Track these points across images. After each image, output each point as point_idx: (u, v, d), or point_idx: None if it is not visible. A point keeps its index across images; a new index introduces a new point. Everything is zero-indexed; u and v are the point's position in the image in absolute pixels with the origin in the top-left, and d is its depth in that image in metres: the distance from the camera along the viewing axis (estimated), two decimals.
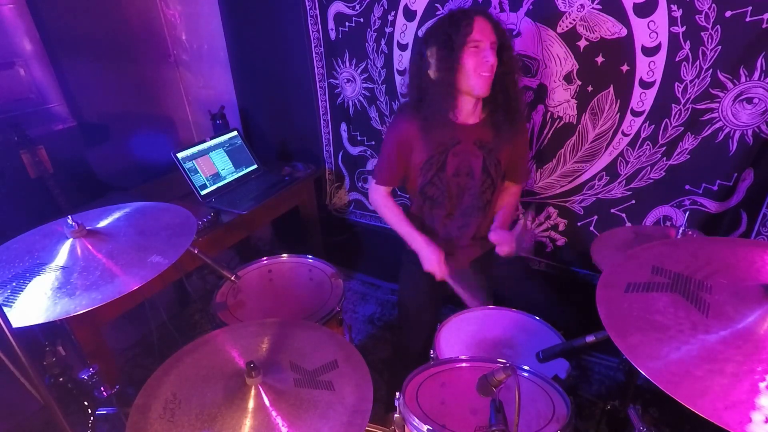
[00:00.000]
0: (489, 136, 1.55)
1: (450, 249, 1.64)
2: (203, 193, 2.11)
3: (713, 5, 1.38)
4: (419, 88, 1.52)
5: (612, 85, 1.62)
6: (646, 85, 1.57)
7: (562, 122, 1.76)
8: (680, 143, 1.61)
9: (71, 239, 1.08)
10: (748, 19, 1.36)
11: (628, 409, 1.04)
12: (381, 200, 1.72)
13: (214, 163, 2.21)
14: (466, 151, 1.55)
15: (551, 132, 1.80)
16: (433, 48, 1.44)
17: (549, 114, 1.77)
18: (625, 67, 1.57)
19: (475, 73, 1.41)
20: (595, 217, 1.89)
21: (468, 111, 1.53)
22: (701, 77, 1.49)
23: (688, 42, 1.46)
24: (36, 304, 0.94)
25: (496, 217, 1.69)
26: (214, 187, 2.16)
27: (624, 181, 1.76)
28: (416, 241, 1.60)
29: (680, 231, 1.36)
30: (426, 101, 1.49)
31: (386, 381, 1.83)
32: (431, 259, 1.55)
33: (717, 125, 1.53)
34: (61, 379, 1.34)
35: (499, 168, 1.60)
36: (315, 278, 1.62)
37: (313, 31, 2.13)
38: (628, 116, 1.65)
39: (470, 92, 1.46)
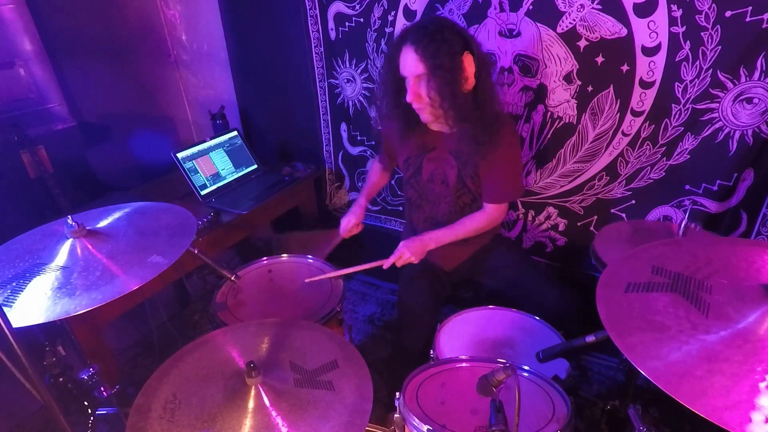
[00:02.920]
0: (465, 148, 1.48)
1: (436, 251, 1.64)
2: (203, 193, 2.11)
3: (713, 5, 1.38)
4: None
5: (612, 85, 1.62)
6: (646, 85, 1.57)
7: (562, 122, 1.76)
8: (680, 143, 1.61)
9: (71, 239, 1.08)
10: (748, 19, 1.36)
11: (628, 409, 1.05)
12: (370, 170, 1.91)
13: (214, 163, 2.21)
14: (440, 158, 1.54)
15: (551, 132, 1.80)
16: (384, 70, 1.48)
17: (549, 114, 1.77)
18: (625, 67, 1.57)
19: (411, 103, 1.40)
20: (595, 217, 1.89)
21: (438, 123, 1.50)
22: (701, 77, 1.49)
23: (688, 42, 1.46)
24: (36, 304, 0.94)
25: (446, 226, 1.58)
26: (214, 187, 2.16)
27: (624, 181, 1.76)
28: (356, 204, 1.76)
29: (682, 225, 1.35)
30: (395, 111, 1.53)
31: (386, 381, 1.83)
32: (342, 221, 1.72)
33: (717, 125, 1.53)
34: (61, 379, 1.34)
35: (477, 180, 1.53)
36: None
37: (313, 31, 2.13)
38: (628, 116, 1.65)
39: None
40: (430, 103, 1.37)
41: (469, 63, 1.34)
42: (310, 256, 1.69)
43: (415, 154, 1.57)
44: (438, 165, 1.55)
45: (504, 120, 1.48)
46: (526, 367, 1.16)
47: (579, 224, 1.93)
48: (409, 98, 1.38)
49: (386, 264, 1.55)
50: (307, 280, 1.57)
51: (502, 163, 1.49)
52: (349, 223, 1.71)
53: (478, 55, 1.36)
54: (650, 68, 1.54)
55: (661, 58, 1.51)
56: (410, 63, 1.33)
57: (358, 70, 2.11)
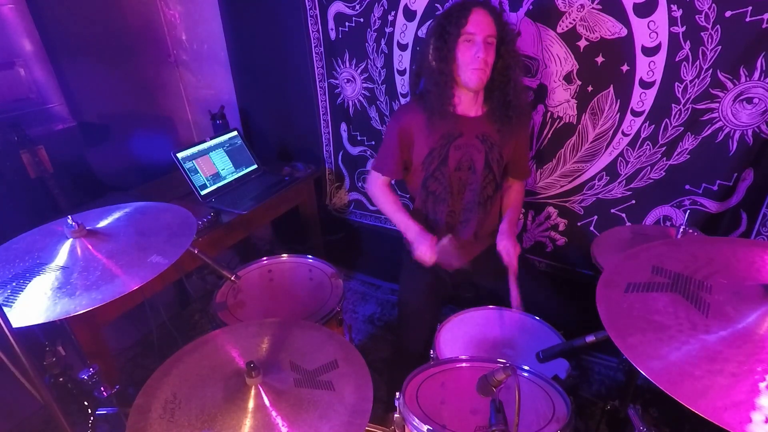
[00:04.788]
0: (492, 130, 1.55)
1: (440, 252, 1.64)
2: (203, 193, 2.11)
3: (713, 5, 1.38)
4: (421, 76, 1.56)
5: (612, 85, 1.62)
6: (646, 85, 1.57)
7: (562, 122, 1.76)
8: (680, 143, 1.61)
9: (71, 239, 1.08)
10: (748, 19, 1.36)
11: (628, 409, 1.05)
12: (379, 190, 1.73)
13: (214, 163, 2.21)
14: (468, 144, 1.55)
15: (551, 132, 1.80)
16: (433, 37, 1.47)
17: (549, 114, 1.77)
18: (625, 67, 1.57)
19: (468, 66, 1.43)
20: (595, 217, 1.89)
21: (468, 103, 1.54)
22: (701, 77, 1.49)
23: (688, 42, 1.46)
24: (36, 304, 0.94)
25: (503, 218, 1.68)
26: (214, 187, 2.16)
27: (624, 181, 1.76)
28: (410, 229, 1.61)
29: (680, 230, 1.35)
30: (426, 90, 1.52)
31: (386, 381, 1.83)
32: (421, 247, 1.53)
33: (717, 125, 1.53)
34: (61, 379, 1.33)
35: (501, 163, 1.60)
36: (315, 278, 1.62)
37: (313, 31, 2.13)
38: (628, 116, 1.65)
39: (465, 85, 1.48)
40: (489, 65, 1.44)
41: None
42: (309, 256, 1.69)
43: (441, 143, 1.56)
44: (465, 152, 1.56)
45: (524, 102, 1.58)
46: (526, 367, 1.16)
47: (579, 224, 1.93)
48: (481, 54, 1.40)
49: (515, 269, 1.53)
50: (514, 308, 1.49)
51: (526, 142, 1.68)
52: (430, 247, 1.53)
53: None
54: (650, 68, 1.54)
55: (661, 58, 1.51)
56: (485, 22, 1.39)
57: (358, 70, 2.11)
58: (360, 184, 2.45)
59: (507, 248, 1.55)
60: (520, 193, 1.78)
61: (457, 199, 1.63)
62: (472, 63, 1.42)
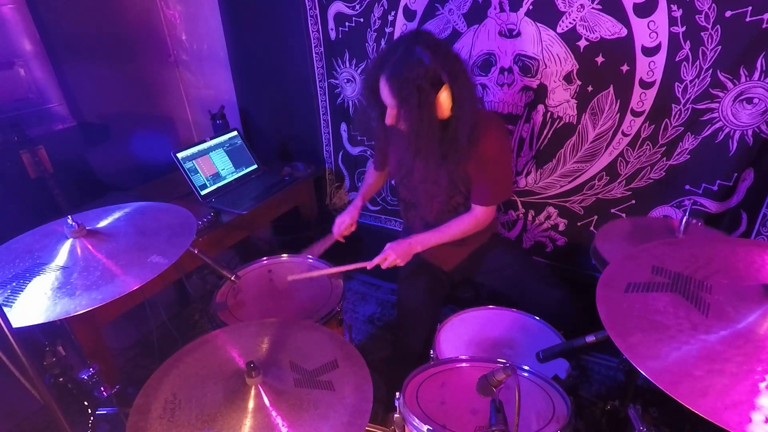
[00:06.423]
0: (452, 150, 1.47)
1: (433, 251, 1.64)
2: (203, 193, 2.11)
3: (713, 5, 1.38)
4: None
5: (612, 85, 1.62)
6: (646, 85, 1.57)
7: (562, 122, 1.76)
8: (680, 143, 1.61)
9: (71, 239, 1.08)
10: (748, 19, 1.36)
11: (628, 409, 1.05)
12: (367, 170, 1.93)
13: (214, 163, 2.21)
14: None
15: (551, 132, 1.80)
16: None
17: (549, 114, 1.77)
18: (625, 67, 1.57)
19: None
20: (595, 217, 1.89)
21: None
22: (701, 77, 1.49)
23: (688, 42, 1.46)
24: (36, 304, 0.94)
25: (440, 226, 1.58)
26: (214, 187, 2.16)
27: (624, 181, 1.76)
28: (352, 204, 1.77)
29: (683, 222, 1.35)
30: None
31: (386, 381, 1.83)
32: (336, 221, 1.73)
33: (717, 125, 1.53)
34: (61, 379, 1.33)
35: (467, 180, 1.52)
36: (315, 278, 1.62)
37: (313, 31, 2.13)
38: (628, 116, 1.65)
39: None
40: (408, 124, 1.38)
41: (444, 97, 1.34)
42: (310, 256, 1.70)
43: (407, 155, 1.56)
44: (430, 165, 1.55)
45: (488, 123, 1.45)
46: (526, 367, 1.16)
47: (579, 224, 1.93)
48: (387, 121, 1.41)
49: (370, 265, 1.54)
50: (290, 278, 1.58)
51: (488, 165, 1.48)
52: (343, 224, 1.72)
53: (461, 83, 1.34)
54: (650, 68, 1.54)
55: (661, 58, 1.51)
56: (385, 94, 1.36)
57: (358, 70, 2.11)
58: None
59: (387, 250, 1.53)
60: (471, 219, 1.55)
61: (426, 207, 1.62)
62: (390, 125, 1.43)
